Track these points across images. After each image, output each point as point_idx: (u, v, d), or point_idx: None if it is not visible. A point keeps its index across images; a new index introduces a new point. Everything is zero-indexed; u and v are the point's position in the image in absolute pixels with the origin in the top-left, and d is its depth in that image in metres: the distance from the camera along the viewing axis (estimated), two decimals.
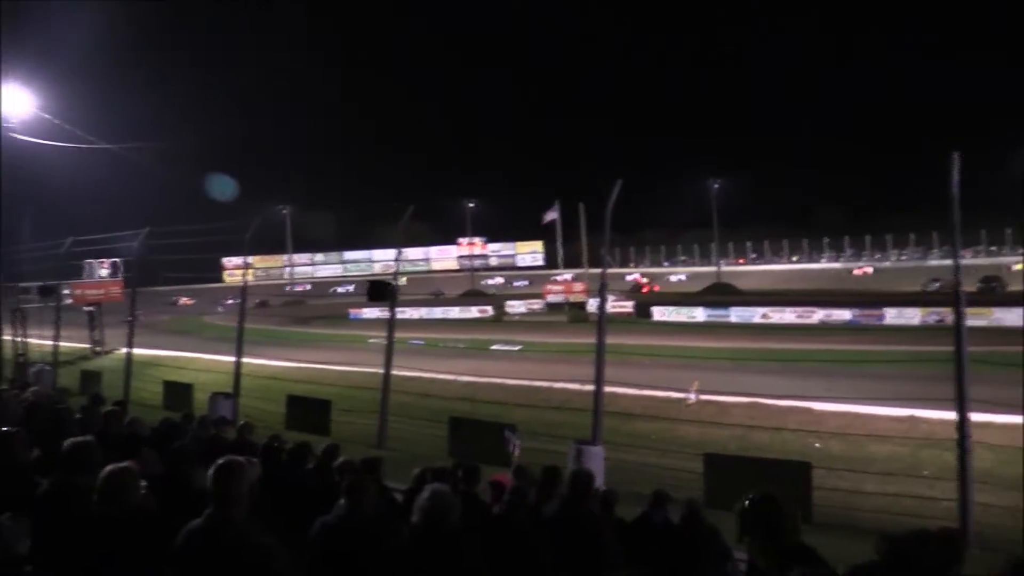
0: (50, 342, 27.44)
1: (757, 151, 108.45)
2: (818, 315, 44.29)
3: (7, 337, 31.01)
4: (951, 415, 11.52)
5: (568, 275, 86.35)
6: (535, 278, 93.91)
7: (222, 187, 70.48)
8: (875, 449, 16.58)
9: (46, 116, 30.11)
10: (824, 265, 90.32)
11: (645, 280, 75.61)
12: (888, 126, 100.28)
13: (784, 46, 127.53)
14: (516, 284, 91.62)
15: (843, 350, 29.24)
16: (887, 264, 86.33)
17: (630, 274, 79.52)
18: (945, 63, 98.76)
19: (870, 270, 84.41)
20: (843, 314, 43.57)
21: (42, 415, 8.20)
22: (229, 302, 72.00)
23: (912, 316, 40.10)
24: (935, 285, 56.30)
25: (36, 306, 31.78)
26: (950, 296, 12.37)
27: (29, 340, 30.46)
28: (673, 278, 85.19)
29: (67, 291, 31.88)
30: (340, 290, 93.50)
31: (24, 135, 29.99)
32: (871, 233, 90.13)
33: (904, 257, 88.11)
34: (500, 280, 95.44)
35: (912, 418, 17.71)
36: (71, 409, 9.20)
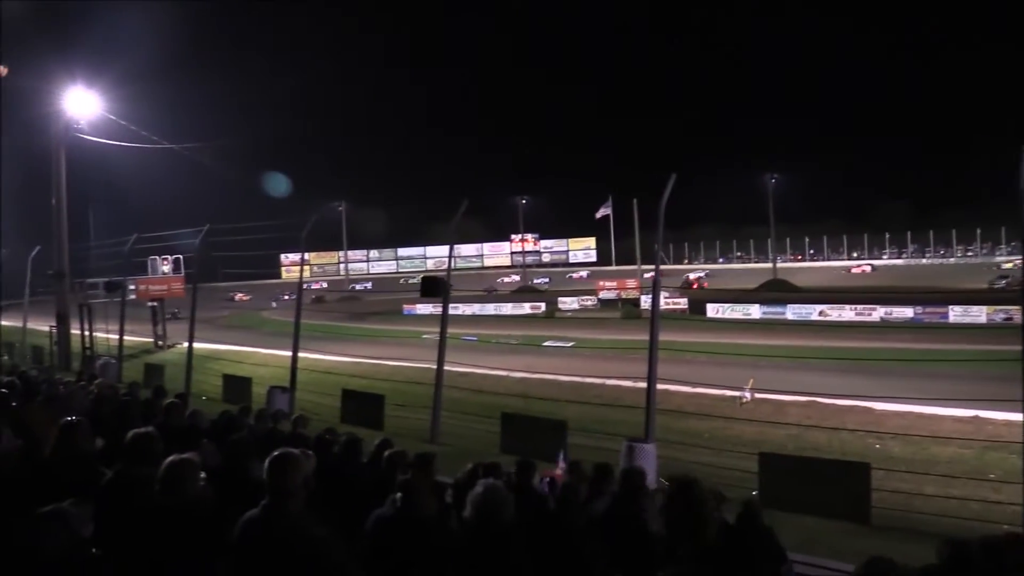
0: (115, 336, 28.20)
1: (816, 145, 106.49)
2: (879, 312, 43.34)
3: (75, 331, 32.09)
4: (1019, 416, 11.16)
5: (583, 273, 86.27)
6: (555, 275, 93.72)
7: (276, 184, 71.92)
8: (938, 451, 16.14)
9: (112, 117, 31.08)
10: (886, 261, 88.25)
11: (695, 276, 75.33)
12: (954, 118, 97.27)
13: (844, 39, 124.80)
14: (536, 281, 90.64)
15: (905, 348, 28.51)
16: (952, 260, 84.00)
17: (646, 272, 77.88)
18: (1015, 53, 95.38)
19: (869, 268, 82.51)
20: (905, 311, 42.54)
21: (108, 407, 8.46)
22: (286, 297, 73.43)
23: (978, 314, 38.93)
24: (1003, 282, 54.61)
25: (102, 301, 32.76)
26: (1018, 293, 11.98)
27: (96, 334, 31.45)
28: (692, 275, 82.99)
29: (131, 287, 32.78)
30: (358, 287, 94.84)
31: (91, 136, 31.01)
32: (934, 228, 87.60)
33: (970, 253, 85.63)
34: (516, 278, 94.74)
35: (977, 419, 17.18)
36: (137, 401, 9.47)
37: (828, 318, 44.00)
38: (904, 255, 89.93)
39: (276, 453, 3.52)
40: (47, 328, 33.31)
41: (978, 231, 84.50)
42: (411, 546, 4.11)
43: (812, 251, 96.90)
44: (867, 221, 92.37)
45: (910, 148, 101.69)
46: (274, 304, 72.78)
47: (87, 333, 31.75)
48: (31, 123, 31.27)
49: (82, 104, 30.80)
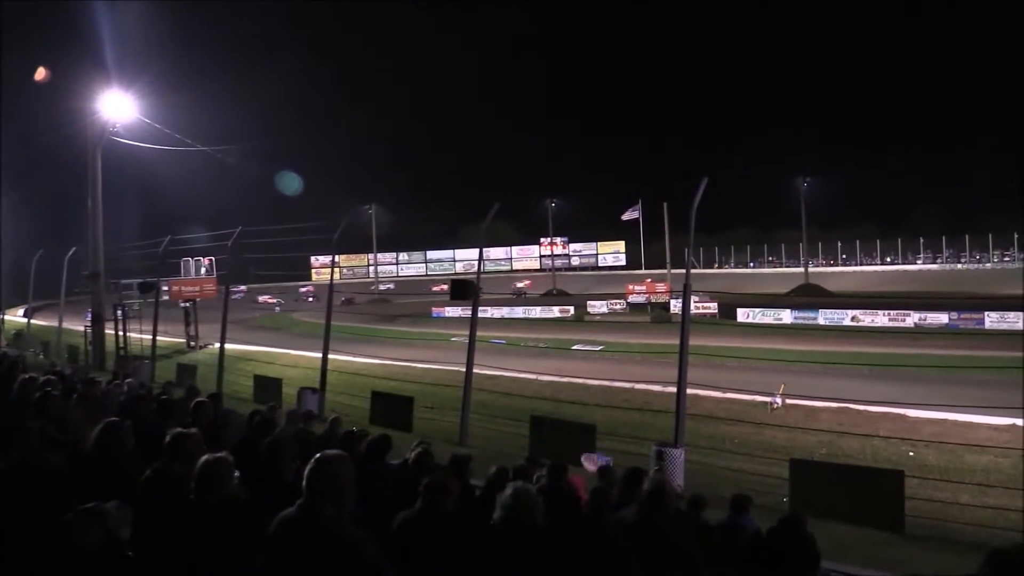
0: (148, 336, 28.59)
1: (849, 147, 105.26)
2: (913, 318, 42.79)
3: (109, 331, 32.61)
4: None
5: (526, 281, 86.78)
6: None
7: (288, 183, 72.69)
8: (973, 459, 15.86)
9: (146, 120, 31.55)
10: (920, 267, 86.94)
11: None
12: (992, 121, 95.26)
13: (875, 39, 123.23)
14: (518, 285, 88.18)
15: (940, 355, 28.10)
16: (988, 266, 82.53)
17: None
18: None
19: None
20: (940, 317, 41.96)
21: (144, 406, 8.58)
22: (311, 300, 74.18)
23: (1015, 320, 38.29)
24: None
25: (135, 302, 33.22)
26: None
27: (130, 334, 31.91)
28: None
29: (164, 288, 33.22)
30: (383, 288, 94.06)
31: (126, 139, 31.50)
32: (970, 233, 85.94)
33: (1007, 259, 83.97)
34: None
35: (1014, 427, 16.85)
36: (171, 400, 9.59)
37: (861, 323, 43.53)
38: (939, 260, 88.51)
39: (317, 455, 3.55)
40: (82, 328, 33.87)
41: (1015, 236, 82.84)
42: (437, 547, 4.12)
43: (844, 256, 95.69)
44: (902, 225, 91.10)
45: (945, 150, 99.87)
46: (277, 308, 72.86)
47: (121, 333, 32.22)
48: (67, 125, 31.80)
49: (118, 107, 31.27)
